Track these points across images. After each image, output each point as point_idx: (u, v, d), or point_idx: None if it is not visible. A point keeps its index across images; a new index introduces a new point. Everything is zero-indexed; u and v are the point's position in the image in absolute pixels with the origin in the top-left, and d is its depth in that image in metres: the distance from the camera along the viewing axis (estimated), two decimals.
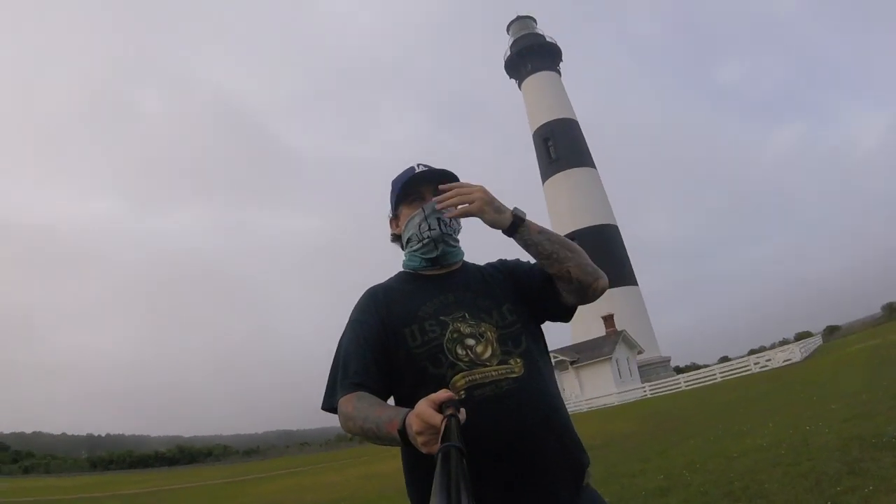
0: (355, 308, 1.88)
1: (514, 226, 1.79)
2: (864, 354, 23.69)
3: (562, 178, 59.12)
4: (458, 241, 1.97)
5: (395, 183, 1.98)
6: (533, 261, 1.92)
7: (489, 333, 1.74)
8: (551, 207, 60.19)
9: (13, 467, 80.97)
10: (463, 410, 1.25)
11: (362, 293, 1.92)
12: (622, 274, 55.87)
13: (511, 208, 1.82)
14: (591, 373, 45.78)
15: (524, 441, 1.59)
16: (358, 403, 1.59)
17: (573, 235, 56.03)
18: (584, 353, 46.87)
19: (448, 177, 1.92)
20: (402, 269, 2.00)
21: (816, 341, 57.10)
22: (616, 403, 40.56)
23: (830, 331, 73.08)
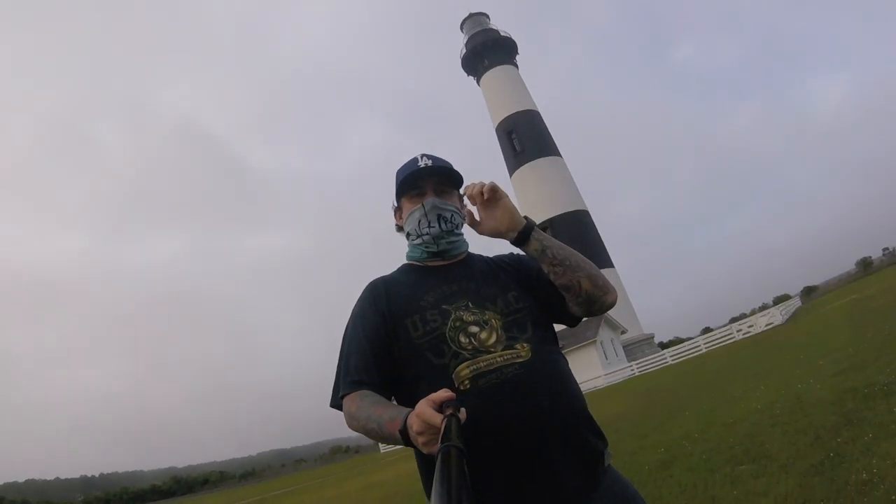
0: (357, 302, 1.86)
1: (528, 230, 1.79)
2: (844, 310, 24.04)
3: (528, 170, 59.28)
4: (461, 233, 1.95)
5: (399, 174, 1.95)
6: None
7: (494, 321, 1.70)
8: (521, 199, 60.41)
9: None
10: (463, 410, 1.25)
11: (365, 287, 1.90)
12: (597, 257, 56.21)
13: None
14: (577, 357, 45.88)
15: (530, 427, 1.55)
16: (361, 402, 1.58)
17: (546, 224, 56.53)
18: (568, 340, 47.00)
19: (450, 171, 1.92)
20: (405, 261, 1.98)
21: (796, 303, 57.90)
22: (604, 385, 40.74)
23: (808, 291, 74.38)
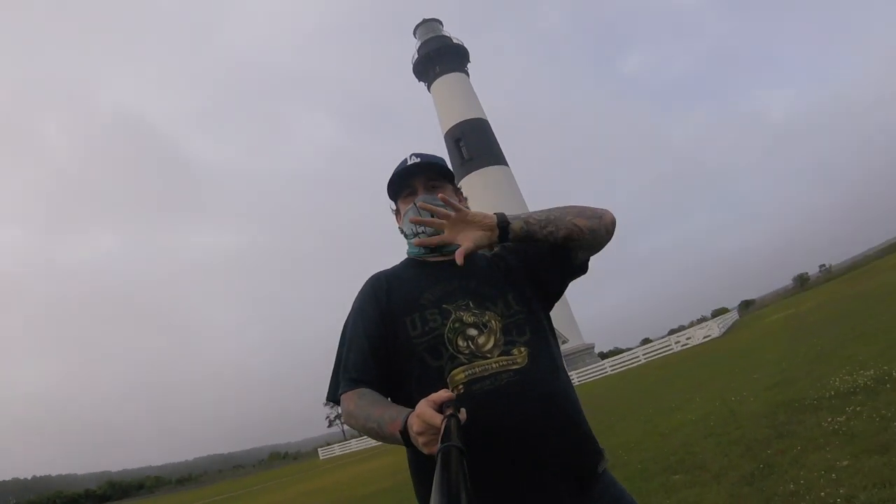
0: (358, 295, 1.85)
1: (503, 223, 1.72)
2: (779, 324, 24.71)
3: (476, 178, 59.26)
4: None
5: (392, 176, 1.93)
6: None
7: (493, 322, 1.68)
8: (469, 207, 60.88)
9: None
10: (463, 410, 1.24)
11: (365, 281, 1.89)
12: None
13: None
14: None
15: (524, 435, 1.53)
16: (360, 401, 1.58)
17: None
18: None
19: (438, 165, 1.91)
20: (407, 256, 1.95)
21: (733, 316, 59.18)
22: None
23: (746, 305, 76.05)
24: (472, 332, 1.65)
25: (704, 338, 37.55)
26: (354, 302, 1.83)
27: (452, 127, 62.20)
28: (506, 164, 61.93)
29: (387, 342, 1.69)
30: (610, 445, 8.50)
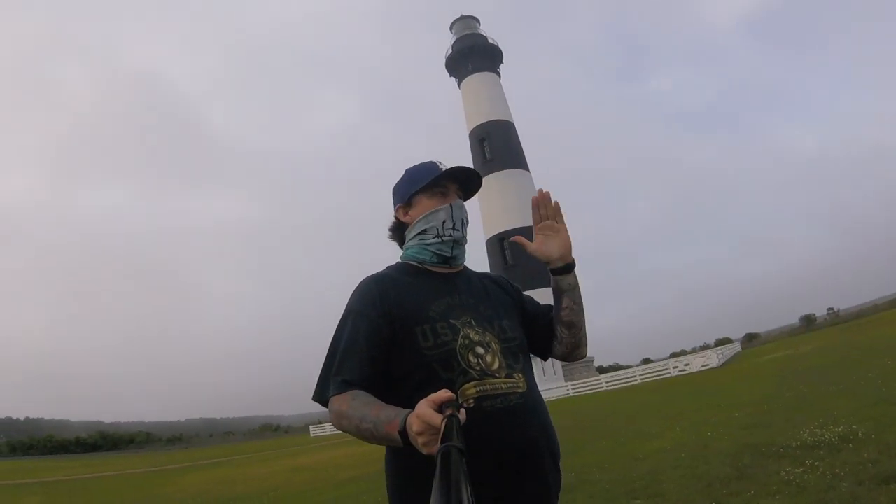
0: (357, 297, 1.81)
1: (570, 267, 1.91)
2: (774, 364, 24.75)
3: (494, 179, 58.98)
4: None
5: (416, 172, 1.95)
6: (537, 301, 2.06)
7: (494, 344, 1.74)
8: (484, 207, 60.68)
9: None
10: (463, 410, 1.24)
11: (362, 281, 1.86)
12: (547, 275, 56.93)
13: None
14: None
15: (527, 455, 1.63)
16: (353, 402, 1.57)
17: (503, 235, 56.91)
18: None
19: (476, 181, 1.97)
20: (401, 260, 1.96)
21: (735, 348, 58.82)
22: None
23: (749, 338, 75.42)
24: (480, 350, 1.71)
25: (702, 366, 37.58)
26: (352, 303, 1.80)
27: (478, 126, 62.08)
28: (527, 168, 61.99)
29: (389, 348, 1.71)
30: (584, 463, 8.81)
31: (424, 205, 1.90)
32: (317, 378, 1.74)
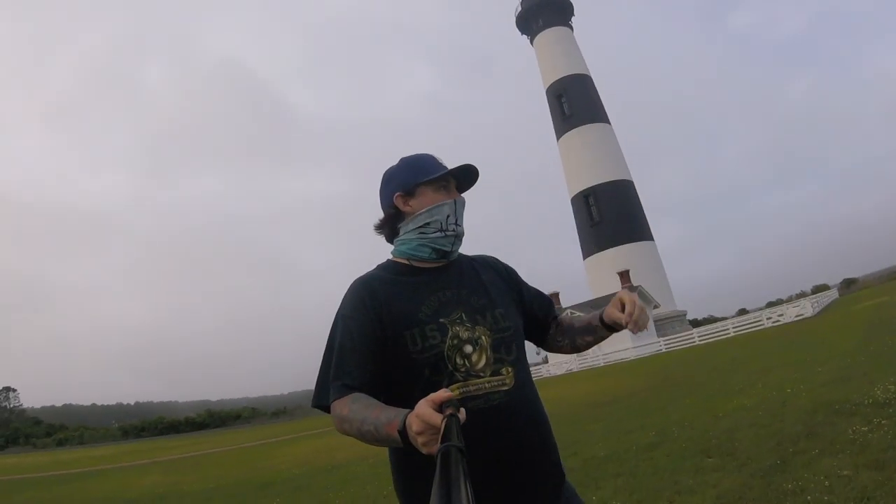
0: (347, 302, 1.81)
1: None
2: (866, 314, 24.22)
3: (576, 135, 59.01)
4: None
5: (418, 162, 1.92)
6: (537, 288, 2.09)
7: (484, 338, 1.74)
8: (566, 164, 60.27)
9: (48, 441, 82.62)
10: (463, 410, 1.24)
11: (351, 285, 1.86)
12: (638, 229, 56.33)
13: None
14: None
15: (511, 454, 1.65)
16: (353, 405, 1.57)
17: (589, 192, 56.48)
18: (600, 308, 47.46)
19: (474, 178, 1.96)
20: (392, 257, 1.95)
21: (832, 295, 57.19)
22: (632, 358, 41.60)
23: (847, 284, 73.02)
24: (468, 348, 1.71)
25: (797, 316, 36.98)
26: (343, 308, 1.80)
27: (554, 82, 61.52)
28: (607, 121, 60.95)
29: (383, 351, 1.71)
30: (667, 421, 9.19)
31: (430, 197, 1.87)
32: (315, 384, 1.75)
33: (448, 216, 1.86)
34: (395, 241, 1.94)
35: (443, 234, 1.85)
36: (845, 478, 4.62)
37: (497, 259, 2.09)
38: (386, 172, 1.97)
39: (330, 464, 13.87)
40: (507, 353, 1.76)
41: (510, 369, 1.73)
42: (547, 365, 50.43)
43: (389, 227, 1.94)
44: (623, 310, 1.82)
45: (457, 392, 1.63)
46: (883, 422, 5.93)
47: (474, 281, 1.89)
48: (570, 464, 1.94)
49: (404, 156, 1.97)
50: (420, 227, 1.86)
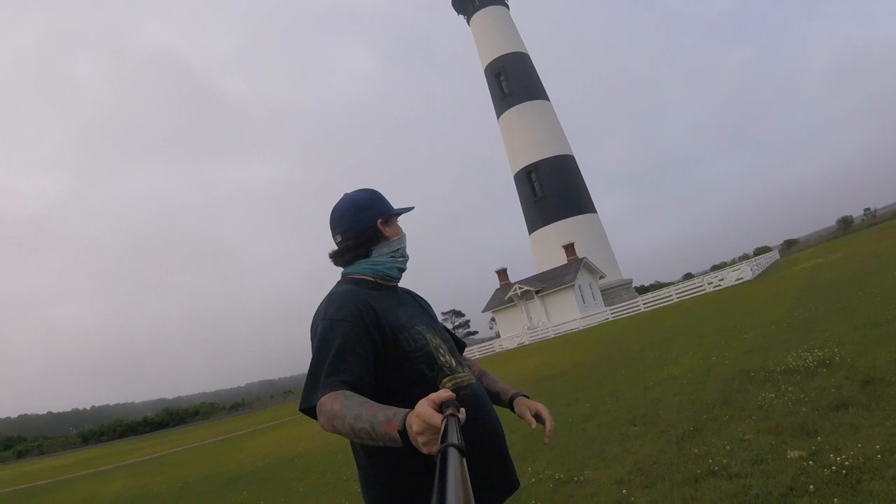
0: (339, 309, 1.84)
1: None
2: (801, 276, 25.10)
3: (515, 113, 59.46)
4: None
5: (381, 197, 2.16)
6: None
7: (443, 346, 2.00)
8: (508, 142, 60.52)
9: (6, 454, 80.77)
10: (463, 410, 1.25)
11: (337, 293, 1.93)
12: (580, 203, 57.06)
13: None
14: (556, 300, 47.32)
15: (497, 437, 1.93)
16: (346, 401, 1.54)
17: (531, 168, 57.00)
18: (548, 283, 48.34)
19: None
20: (353, 275, 2.07)
21: (773, 256, 58.69)
22: (581, 328, 42.42)
23: (788, 245, 74.73)
24: (442, 349, 1.96)
25: (737, 280, 38.23)
26: (336, 313, 1.83)
27: (492, 61, 61.75)
28: (546, 98, 61.37)
29: (377, 355, 1.79)
30: (601, 393, 9.68)
31: (396, 228, 2.14)
32: (303, 386, 1.75)
33: (404, 245, 2.15)
34: (358, 261, 2.07)
35: (405, 259, 2.14)
36: (746, 442, 5.01)
37: (424, 300, 2.33)
38: (352, 201, 2.11)
39: (291, 454, 14.14)
40: (459, 357, 2.08)
41: (466, 369, 2.02)
42: (500, 339, 51.10)
43: (365, 247, 2.07)
44: (538, 419, 2.06)
45: (450, 383, 1.85)
46: (789, 388, 6.31)
47: (417, 303, 2.18)
48: (511, 438, 2.23)
49: (347, 192, 2.15)
50: (393, 251, 2.10)
